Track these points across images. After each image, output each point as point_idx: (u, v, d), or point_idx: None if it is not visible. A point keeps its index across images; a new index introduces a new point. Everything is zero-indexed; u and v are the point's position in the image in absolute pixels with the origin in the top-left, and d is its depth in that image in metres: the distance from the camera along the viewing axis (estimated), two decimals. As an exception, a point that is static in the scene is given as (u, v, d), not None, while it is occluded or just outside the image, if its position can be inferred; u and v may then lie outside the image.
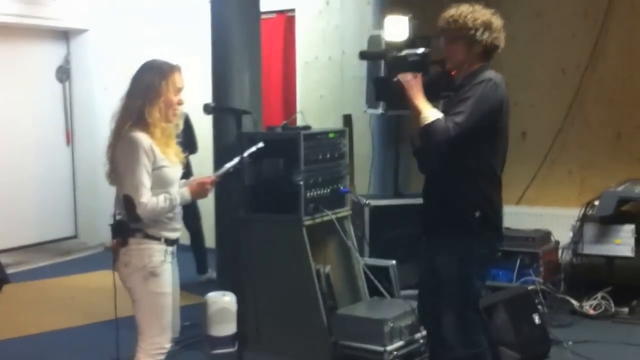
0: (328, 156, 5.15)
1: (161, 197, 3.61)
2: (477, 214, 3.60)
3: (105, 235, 8.77)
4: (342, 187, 5.30)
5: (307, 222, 4.99)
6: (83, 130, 9.17)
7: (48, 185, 8.97)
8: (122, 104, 3.72)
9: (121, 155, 3.61)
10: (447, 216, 3.67)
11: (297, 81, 8.04)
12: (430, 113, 3.50)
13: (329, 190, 5.18)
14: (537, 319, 4.89)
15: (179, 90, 3.74)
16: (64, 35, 9.19)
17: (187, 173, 7.02)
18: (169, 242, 3.75)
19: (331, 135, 5.24)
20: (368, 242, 5.94)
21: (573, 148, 6.84)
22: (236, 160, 3.92)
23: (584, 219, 5.90)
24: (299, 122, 5.87)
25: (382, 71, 6.25)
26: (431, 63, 3.86)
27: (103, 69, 9.07)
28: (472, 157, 3.58)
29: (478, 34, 3.55)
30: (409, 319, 4.82)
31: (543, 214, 6.81)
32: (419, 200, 6.35)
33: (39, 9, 8.40)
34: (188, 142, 7.15)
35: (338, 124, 6.55)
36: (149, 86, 3.65)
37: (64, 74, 9.20)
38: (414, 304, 4.93)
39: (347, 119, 6.67)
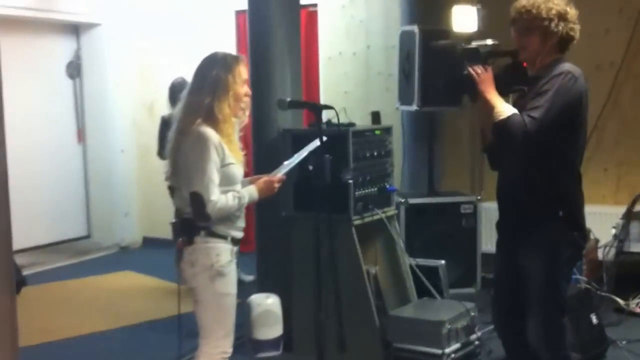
0: (375, 154, 5.00)
1: (230, 195, 3.47)
2: (561, 213, 3.44)
3: (119, 235, 8.83)
4: (388, 186, 5.13)
5: (357, 222, 4.83)
6: (95, 128, 8.95)
7: (59, 185, 8.74)
8: (186, 101, 3.58)
9: (190, 152, 3.45)
10: (529, 216, 3.49)
11: (320, 77, 7.87)
12: (505, 107, 3.35)
13: (376, 188, 5.02)
14: (594, 319, 4.76)
15: (244, 82, 3.61)
16: (74, 29, 8.97)
17: None
18: (235, 241, 3.61)
19: (377, 132, 5.09)
20: (404, 240, 5.80)
21: (608, 146, 6.71)
22: (300, 156, 3.75)
23: (629, 217, 5.76)
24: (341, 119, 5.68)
25: (417, 67, 6.17)
26: (501, 55, 3.65)
27: (115, 65, 8.88)
28: (551, 153, 3.41)
29: (553, 24, 3.40)
30: (464, 321, 4.70)
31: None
32: (455, 199, 6.44)
33: (48, 2, 8.17)
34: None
35: (364, 121, 6.40)
36: (217, 81, 3.51)
37: (74, 69, 8.96)
38: (468, 304, 4.84)
39: (376, 116, 6.50)
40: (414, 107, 6.27)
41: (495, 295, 3.82)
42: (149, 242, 8.98)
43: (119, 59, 8.84)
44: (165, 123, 6.75)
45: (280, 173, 3.73)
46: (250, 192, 3.57)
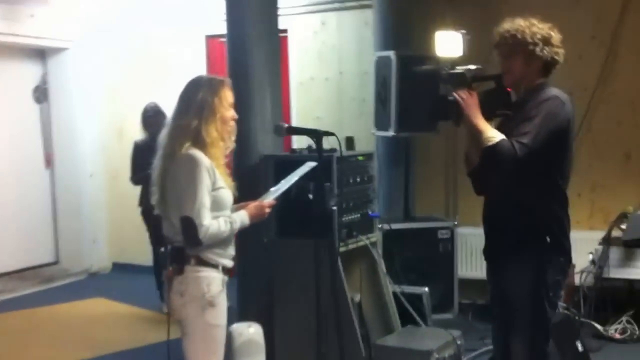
0: (358, 180, 4.97)
1: (222, 220, 3.41)
2: (548, 238, 3.42)
3: (87, 261, 8.66)
4: (371, 212, 5.11)
5: (341, 249, 4.78)
6: (63, 153, 8.79)
7: (27, 210, 8.55)
8: (172, 125, 3.50)
9: (180, 176, 3.38)
10: (515, 241, 3.47)
11: (292, 102, 7.84)
12: (493, 133, 3.34)
13: (359, 214, 4.98)
14: (580, 346, 4.75)
15: (231, 106, 3.56)
16: (41, 53, 8.82)
17: None
18: (226, 270, 3.54)
19: (360, 158, 5.06)
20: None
21: (582, 170, 6.71)
22: (290, 181, 3.70)
23: (608, 242, 5.79)
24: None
25: (393, 92, 6.18)
26: (485, 79, 3.65)
27: (83, 89, 8.76)
28: (539, 178, 3.41)
29: (538, 48, 3.40)
30: (451, 349, 4.66)
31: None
32: (432, 224, 6.44)
33: (15, 27, 8.01)
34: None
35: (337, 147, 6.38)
36: (203, 104, 3.45)
37: (41, 94, 8.81)
38: (454, 332, 4.82)
39: (350, 141, 6.49)
40: (390, 133, 6.28)
41: (494, 322, 3.78)
42: (119, 268, 8.86)
43: (86, 83, 8.72)
44: (138, 148, 6.72)
45: (269, 198, 3.67)
46: (241, 217, 3.50)
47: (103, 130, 8.86)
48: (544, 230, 3.42)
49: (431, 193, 7.14)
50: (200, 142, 3.41)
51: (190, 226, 3.32)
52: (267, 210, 3.62)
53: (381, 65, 6.35)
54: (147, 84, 8.28)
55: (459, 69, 3.61)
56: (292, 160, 4.87)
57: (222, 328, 3.49)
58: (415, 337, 4.84)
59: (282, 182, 3.73)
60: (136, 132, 6.98)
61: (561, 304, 5.85)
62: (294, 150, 5.11)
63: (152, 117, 6.73)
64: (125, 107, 8.37)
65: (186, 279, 3.41)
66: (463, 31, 3.54)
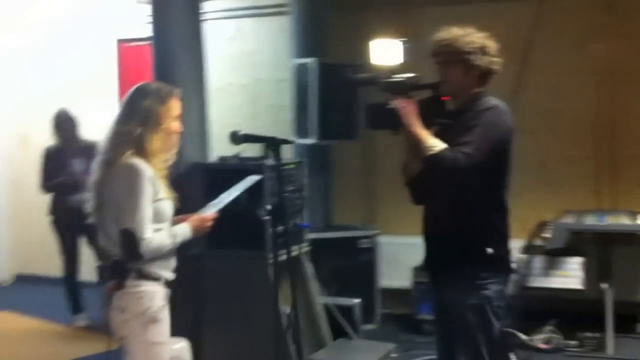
0: (289, 188, 4.83)
1: (164, 234, 3.24)
2: (490, 250, 3.34)
3: None
4: (301, 222, 4.98)
5: (273, 260, 4.61)
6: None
7: None
8: (114, 130, 3.30)
9: (120, 186, 3.19)
10: (456, 253, 3.39)
11: (209, 109, 7.63)
12: (435, 142, 3.26)
13: (290, 225, 4.84)
14: (514, 359, 4.75)
15: (177, 117, 3.39)
16: None
17: None
18: (168, 283, 3.35)
19: (291, 165, 4.93)
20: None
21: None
22: (233, 194, 3.56)
23: (531, 251, 5.85)
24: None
25: (314, 100, 6.09)
26: (422, 87, 3.55)
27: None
28: (480, 188, 3.31)
29: (474, 57, 3.35)
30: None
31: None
32: (354, 233, 6.37)
33: None
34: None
35: (254, 154, 6.26)
36: (149, 112, 3.27)
37: None
38: (388, 345, 4.75)
39: (268, 149, 6.37)
40: (311, 140, 6.19)
41: (437, 337, 3.67)
42: (23, 279, 8.56)
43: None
44: (49, 154, 6.55)
45: (211, 211, 3.50)
46: (183, 230, 3.33)
47: (6, 137, 8.53)
48: (484, 241, 3.35)
49: (349, 202, 7.09)
50: (142, 151, 3.23)
51: (130, 239, 3.13)
52: (209, 223, 3.45)
53: (301, 73, 6.25)
54: (55, 90, 7.94)
55: (397, 77, 3.53)
56: (223, 169, 4.74)
57: (166, 346, 3.30)
58: (350, 352, 4.75)
59: (223, 195, 3.58)
60: (44, 140, 6.71)
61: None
62: (223, 159, 4.93)
63: (63, 123, 6.54)
64: (32, 115, 8.05)
65: (126, 295, 3.21)
66: (403, 39, 3.45)
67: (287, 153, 6.58)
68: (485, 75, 3.41)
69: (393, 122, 3.36)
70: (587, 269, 5.78)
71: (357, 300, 5.19)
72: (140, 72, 7.88)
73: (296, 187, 4.93)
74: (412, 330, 6.29)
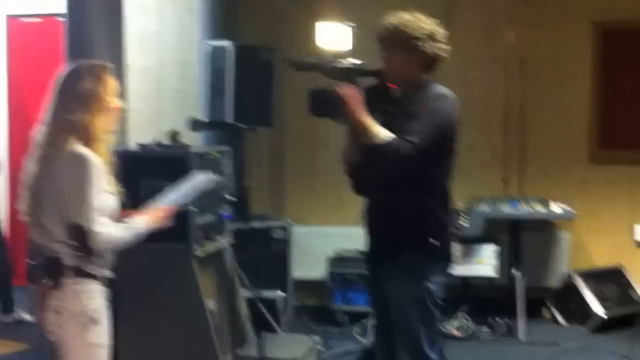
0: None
1: (118, 227, 2.99)
2: (431, 240, 3.26)
3: None
4: (224, 213, 4.77)
5: (198, 253, 4.41)
6: None
7: None
8: (52, 119, 3.01)
9: (65, 177, 2.91)
10: (397, 243, 3.30)
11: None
12: (379, 130, 3.14)
13: (213, 216, 4.63)
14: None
15: (115, 94, 3.12)
16: None
17: None
18: (107, 281, 3.10)
19: (216, 154, 4.69)
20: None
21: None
22: (188, 195, 3.39)
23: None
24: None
25: (230, 84, 5.86)
26: (366, 74, 3.43)
27: None
28: (422, 178, 3.23)
29: (420, 43, 3.23)
30: (312, 356, 4.45)
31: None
32: (267, 223, 6.19)
33: None
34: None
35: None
36: (88, 94, 2.99)
37: None
38: (314, 338, 4.62)
39: (174, 136, 6.10)
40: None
41: (377, 329, 3.58)
42: None
43: None
44: None
45: (168, 204, 3.27)
46: (138, 223, 3.09)
47: None
48: (426, 232, 3.27)
49: (259, 191, 6.90)
50: (85, 138, 2.96)
51: (78, 234, 2.88)
52: (166, 216, 3.22)
53: (216, 56, 6.00)
54: None
55: (343, 62, 3.38)
56: (146, 157, 4.47)
57: (106, 348, 3.05)
58: (277, 345, 4.57)
59: (172, 193, 3.34)
60: None
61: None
62: (144, 146, 4.64)
63: None
64: None
65: (63, 294, 2.94)
66: (352, 24, 3.27)
67: (195, 140, 6.41)
68: (431, 62, 3.30)
69: (336, 109, 3.22)
70: (500, 256, 5.85)
71: (280, 293, 5.02)
72: (33, 50, 7.46)
73: (220, 177, 4.69)
74: (326, 321, 6.23)
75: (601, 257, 6.51)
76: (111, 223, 2.98)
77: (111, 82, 3.09)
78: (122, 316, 4.39)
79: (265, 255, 6.02)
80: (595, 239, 6.53)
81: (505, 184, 6.58)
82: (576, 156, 6.53)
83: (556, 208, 5.83)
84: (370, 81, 3.40)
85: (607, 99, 6.47)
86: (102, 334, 3.03)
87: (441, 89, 3.29)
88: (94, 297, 3.00)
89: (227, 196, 3.28)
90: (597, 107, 6.48)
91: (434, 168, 3.25)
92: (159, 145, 4.62)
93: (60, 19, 7.13)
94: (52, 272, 2.95)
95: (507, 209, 5.76)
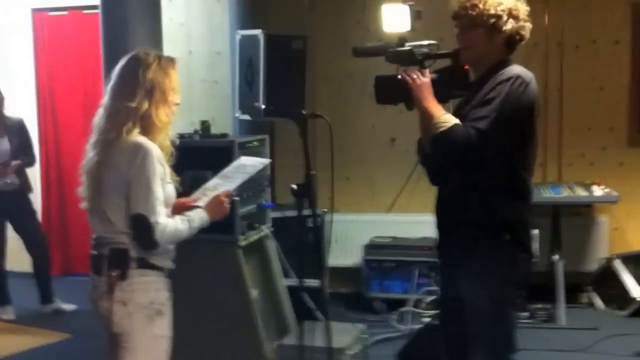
0: (252, 167, 4.55)
1: (178, 219, 2.97)
2: (507, 236, 3.04)
3: None
4: (265, 202, 4.73)
5: (243, 243, 4.38)
6: None
7: None
8: (115, 106, 2.97)
9: (128, 167, 2.88)
10: (471, 238, 3.08)
11: (137, 83, 7.26)
12: (445, 118, 2.97)
13: (255, 205, 4.59)
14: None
15: (178, 89, 3.11)
16: None
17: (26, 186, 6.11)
18: (170, 273, 3.07)
19: (255, 143, 4.65)
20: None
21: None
22: (236, 180, 3.35)
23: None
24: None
25: (261, 74, 5.80)
26: (440, 56, 3.23)
27: None
28: (496, 168, 3.01)
29: (501, 22, 3.01)
30: (360, 344, 4.41)
31: (415, 221, 6.64)
32: (304, 212, 6.10)
33: None
34: (26, 151, 6.22)
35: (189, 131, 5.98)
36: (153, 85, 2.96)
37: None
38: (359, 326, 4.57)
39: (205, 125, 6.07)
40: (258, 117, 5.89)
41: (441, 328, 3.38)
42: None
43: None
44: None
45: (233, 187, 3.27)
46: (200, 215, 3.07)
47: None
48: (501, 226, 3.04)
49: (290, 180, 6.84)
50: (148, 129, 2.94)
51: (142, 225, 2.85)
52: (226, 203, 3.18)
53: (246, 45, 5.93)
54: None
55: (409, 45, 3.21)
56: (187, 147, 4.40)
57: (168, 340, 3.03)
58: (321, 334, 4.51)
59: (216, 177, 3.32)
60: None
61: (438, 288, 5.82)
62: (182, 136, 4.59)
63: None
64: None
65: (131, 285, 2.92)
66: (410, 3, 3.13)
67: (226, 128, 6.36)
68: (512, 41, 3.09)
69: (401, 96, 3.11)
70: (539, 241, 5.77)
71: (321, 281, 4.95)
72: (59, 43, 7.44)
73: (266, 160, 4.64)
74: (362, 309, 6.18)
75: (640, 241, 6.42)
76: (173, 216, 2.97)
77: (175, 76, 3.06)
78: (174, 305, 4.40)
79: (299, 244, 5.97)
80: (634, 223, 6.42)
81: (543, 169, 6.49)
82: (615, 140, 6.41)
83: (598, 192, 5.74)
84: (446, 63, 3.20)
85: (646, 81, 6.34)
86: (165, 326, 3.02)
87: (514, 70, 3.04)
88: (160, 289, 2.99)
89: (294, 185, 3.18)
90: (636, 91, 6.35)
91: (506, 157, 3.02)
92: (199, 135, 4.58)
93: (86, 11, 7.15)
94: (119, 263, 2.92)
95: (548, 194, 5.67)
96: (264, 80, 5.73)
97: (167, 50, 6.96)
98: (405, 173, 6.72)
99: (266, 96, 5.82)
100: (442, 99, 3.10)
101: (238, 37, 6.00)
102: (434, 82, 3.09)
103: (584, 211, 6.33)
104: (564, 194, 5.70)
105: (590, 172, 6.33)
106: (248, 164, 3.38)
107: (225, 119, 6.46)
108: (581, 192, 5.77)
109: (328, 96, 6.83)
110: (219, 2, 6.96)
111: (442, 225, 3.25)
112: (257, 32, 5.81)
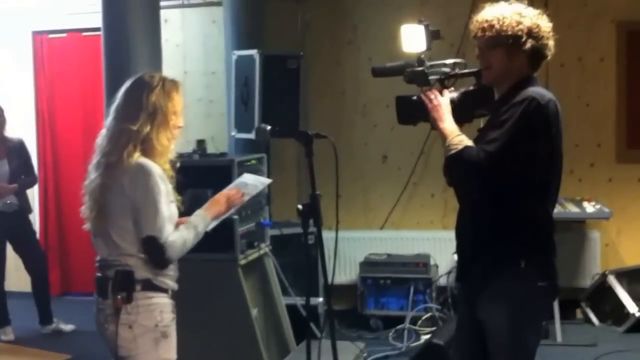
0: (251, 185, 4.63)
1: (182, 229, 3.01)
2: (523, 263, 2.95)
3: None
4: (263, 220, 4.80)
5: (242, 261, 4.44)
6: None
7: None
8: (117, 128, 3.01)
9: (134, 190, 2.93)
10: (487, 263, 3.00)
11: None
12: (458, 139, 2.92)
13: (254, 223, 4.66)
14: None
15: (181, 112, 3.14)
16: None
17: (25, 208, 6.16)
18: (173, 294, 3.11)
19: (253, 162, 4.73)
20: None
21: (435, 171, 6.79)
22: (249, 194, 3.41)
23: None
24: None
25: (257, 93, 5.89)
26: (463, 76, 3.19)
27: None
28: (511, 192, 2.93)
29: (521, 41, 2.95)
30: (361, 363, 4.47)
31: (409, 238, 6.73)
32: (295, 230, 6.18)
33: None
34: (27, 172, 6.27)
35: (185, 150, 6.01)
36: (156, 108, 3.00)
37: None
38: (359, 345, 4.63)
39: (201, 144, 6.14)
40: (253, 135, 5.97)
41: (457, 351, 3.44)
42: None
43: None
44: None
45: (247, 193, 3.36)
46: (200, 216, 3.11)
47: None
48: (518, 252, 2.97)
49: (285, 197, 6.92)
50: (149, 152, 2.98)
51: (155, 247, 2.90)
52: (236, 198, 3.25)
53: (242, 65, 6.03)
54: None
55: (430, 64, 3.17)
56: (187, 166, 4.46)
57: (174, 362, 3.06)
58: (324, 353, 4.56)
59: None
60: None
61: (434, 305, 5.91)
62: (181, 155, 4.66)
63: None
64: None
65: (136, 308, 2.95)
66: (426, 22, 3.15)
67: (222, 147, 6.44)
68: (535, 59, 3.03)
69: (421, 116, 3.10)
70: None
71: (320, 299, 5.03)
72: (58, 65, 7.52)
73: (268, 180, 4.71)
74: (358, 327, 6.23)
75: (631, 257, 6.48)
76: (179, 228, 3.01)
77: (179, 100, 3.10)
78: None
79: (296, 261, 6.04)
80: (626, 238, 6.51)
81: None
82: (603, 156, 6.52)
83: (590, 208, 5.83)
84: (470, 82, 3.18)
85: (632, 98, 6.44)
86: (171, 348, 3.05)
87: (532, 91, 2.96)
88: (165, 311, 3.01)
89: (300, 206, 3.24)
90: (622, 107, 6.47)
91: (520, 180, 2.93)
92: (198, 154, 4.66)
93: (86, 34, 7.24)
94: (124, 285, 2.95)
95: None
96: (259, 99, 5.84)
97: (164, 71, 7.08)
98: (398, 190, 6.82)
99: (262, 114, 5.93)
100: (465, 118, 3.10)
101: (234, 57, 6.10)
102: (456, 102, 3.07)
103: (576, 227, 6.40)
104: (555, 209, 5.76)
105: (580, 189, 6.42)
106: (250, 183, 3.43)
107: (222, 138, 6.53)
108: (573, 208, 5.86)
109: (321, 114, 6.92)
110: (214, 23, 7.06)
111: (459, 247, 3.21)
112: (253, 52, 5.91)
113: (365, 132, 6.92)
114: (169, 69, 7.07)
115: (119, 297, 2.94)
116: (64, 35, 7.50)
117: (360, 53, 6.84)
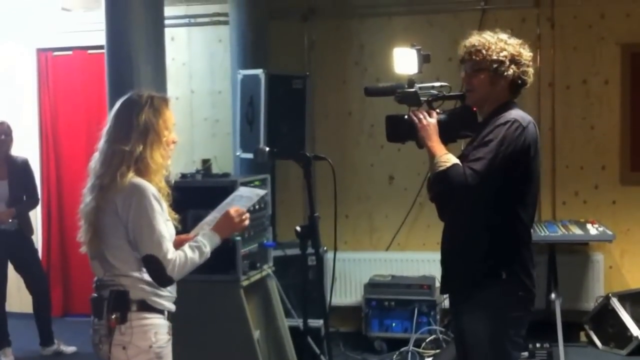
0: (255, 207, 4.62)
1: (186, 248, 3.00)
2: (504, 274, 3.16)
3: None
4: (266, 241, 4.79)
5: (245, 283, 4.43)
6: None
7: None
8: (109, 150, 3.01)
9: (129, 210, 2.92)
10: (469, 276, 3.22)
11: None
12: (446, 158, 3.11)
13: (256, 245, 4.66)
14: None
15: (173, 127, 3.14)
16: None
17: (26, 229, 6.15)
18: (170, 316, 3.10)
19: (257, 183, 4.72)
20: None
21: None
22: (247, 203, 3.38)
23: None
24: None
25: (262, 112, 5.89)
26: (449, 98, 3.39)
27: None
28: (495, 208, 3.14)
29: (504, 67, 3.17)
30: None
31: (414, 259, 6.72)
32: (299, 251, 6.16)
33: None
34: (30, 193, 6.26)
35: (190, 169, 6.02)
36: (147, 127, 3.00)
37: None
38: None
39: (206, 164, 6.15)
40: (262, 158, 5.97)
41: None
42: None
43: None
44: None
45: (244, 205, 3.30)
46: (209, 236, 3.09)
47: None
48: (499, 265, 3.17)
49: (290, 218, 6.91)
50: (143, 171, 2.99)
51: (154, 265, 2.90)
52: (236, 219, 3.18)
53: (247, 84, 6.05)
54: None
55: (420, 86, 3.35)
56: (189, 187, 4.47)
57: (168, 383, 3.05)
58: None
59: (215, 212, 3.35)
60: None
61: (440, 328, 5.88)
62: (184, 175, 4.67)
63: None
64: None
65: (130, 329, 2.94)
66: (418, 47, 3.29)
67: (228, 167, 6.44)
68: (515, 86, 3.24)
69: (410, 135, 3.26)
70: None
71: (321, 321, 4.99)
72: (63, 83, 7.54)
73: (262, 205, 4.72)
74: (362, 349, 6.21)
75: (635, 279, 6.47)
76: (182, 248, 3.00)
77: (169, 115, 3.10)
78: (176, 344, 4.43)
79: (300, 283, 6.01)
80: (629, 260, 6.51)
81: (537, 207, 6.55)
82: (607, 178, 6.52)
83: (593, 230, 5.82)
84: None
85: (636, 120, 6.45)
86: (165, 369, 3.03)
87: (513, 114, 3.18)
88: (160, 332, 3.00)
89: (297, 227, 3.25)
90: (626, 129, 6.47)
91: (502, 197, 3.15)
92: (202, 174, 4.66)
93: (91, 51, 7.26)
94: (118, 305, 2.95)
95: (544, 232, 5.74)
96: (264, 118, 5.85)
97: (170, 89, 7.08)
98: (404, 211, 6.80)
99: (267, 134, 5.94)
100: (450, 138, 3.28)
101: (240, 77, 6.13)
102: (442, 123, 3.25)
103: (579, 249, 6.39)
104: (559, 232, 5.77)
105: (584, 211, 6.44)
106: (245, 195, 3.42)
107: (227, 157, 6.53)
108: (577, 231, 5.84)
109: (327, 134, 6.93)
110: (220, 43, 7.09)
111: (443, 261, 3.38)
112: (259, 71, 5.94)
113: (372, 152, 6.92)
114: (175, 88, 7.18)
115: (113, 317, 2.93)
116: (70, 52, 7.53)
117: (366, 73, 6.85)
